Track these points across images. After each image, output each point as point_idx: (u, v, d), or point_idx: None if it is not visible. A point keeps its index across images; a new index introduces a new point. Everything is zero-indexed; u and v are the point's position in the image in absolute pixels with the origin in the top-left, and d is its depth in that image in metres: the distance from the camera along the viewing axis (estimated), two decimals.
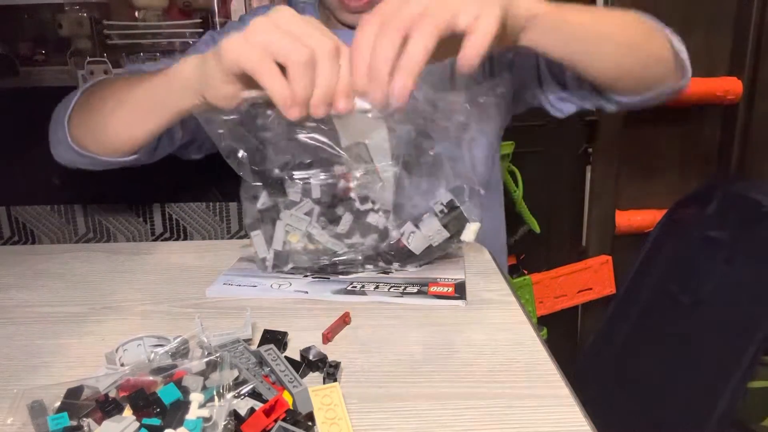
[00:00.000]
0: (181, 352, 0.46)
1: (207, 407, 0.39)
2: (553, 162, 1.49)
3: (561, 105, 0.80)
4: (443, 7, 0.48)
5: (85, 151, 0.69)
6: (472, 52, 0.48)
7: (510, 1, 0.52)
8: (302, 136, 0.55)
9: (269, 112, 0.53)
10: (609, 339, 1.42)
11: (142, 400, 0.39)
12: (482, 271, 0.65)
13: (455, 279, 0.61)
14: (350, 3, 0.75)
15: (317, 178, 0.58)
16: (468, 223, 0.60)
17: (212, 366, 0.42)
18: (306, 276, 0.63)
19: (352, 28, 0.76)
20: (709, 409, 1.10)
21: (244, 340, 0.47)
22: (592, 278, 1.49)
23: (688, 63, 0.70)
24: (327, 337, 0.50)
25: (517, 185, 1.41)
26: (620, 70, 0.66)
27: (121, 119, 0.65)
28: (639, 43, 0.65)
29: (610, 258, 1.49)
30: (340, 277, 0.62)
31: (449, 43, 0.48)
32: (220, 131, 0.55)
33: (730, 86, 1.38)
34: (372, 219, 0.60)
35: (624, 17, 0.65)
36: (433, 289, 0.59)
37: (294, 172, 0.58)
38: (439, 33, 0.47)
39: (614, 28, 0.64)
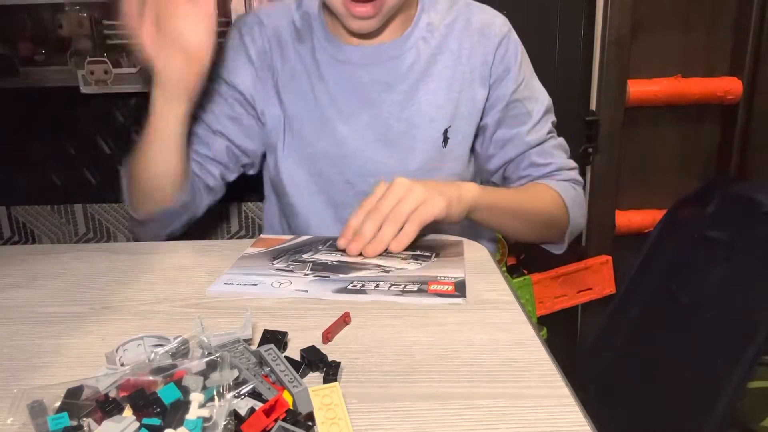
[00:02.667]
0: (181, 352, 0.46)
1: (207, 407, 0.39)
2: None
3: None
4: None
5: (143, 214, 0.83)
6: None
7: (459, 196, 0.73)
8: None
9: None
10: (609, 339, 1.41)
11: (142, 400, 0.38)
12: (482, 271, 0.65)
13: (455, 277, 0.61)
14: (356, 9, 0.78)
15: None
16: None
17: (212, 366, 0.42)
18: (306, 275, 0.63)
19: (357, 36, 0.85)
20: (709, 409, 1.10)
21: (244, 340, 0.47)
22: (592, 278, 1.49)
23: (575, 234, 0.93)
24: (327, 337, 0.50)
25: None
26: (527, 237, 0.91)
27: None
28: (546, 221, 0.88)
29: (610, 258, 1.49)
30: (341, 276, 0.62)
31: None
32: None
33: (730, 86, 1.38)
34: None
35: (542, 200, 0.86)
36: (433, 287, 0.59)
37: None
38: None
39: (531, 210, 0.86)
